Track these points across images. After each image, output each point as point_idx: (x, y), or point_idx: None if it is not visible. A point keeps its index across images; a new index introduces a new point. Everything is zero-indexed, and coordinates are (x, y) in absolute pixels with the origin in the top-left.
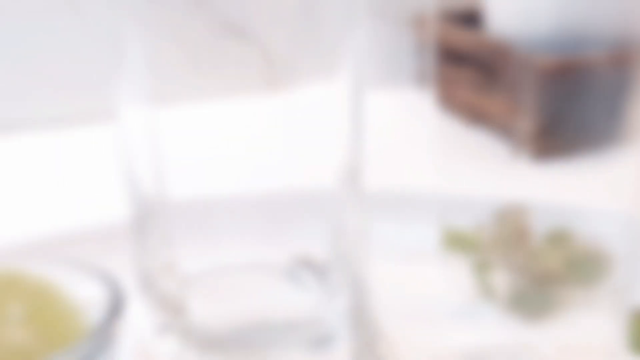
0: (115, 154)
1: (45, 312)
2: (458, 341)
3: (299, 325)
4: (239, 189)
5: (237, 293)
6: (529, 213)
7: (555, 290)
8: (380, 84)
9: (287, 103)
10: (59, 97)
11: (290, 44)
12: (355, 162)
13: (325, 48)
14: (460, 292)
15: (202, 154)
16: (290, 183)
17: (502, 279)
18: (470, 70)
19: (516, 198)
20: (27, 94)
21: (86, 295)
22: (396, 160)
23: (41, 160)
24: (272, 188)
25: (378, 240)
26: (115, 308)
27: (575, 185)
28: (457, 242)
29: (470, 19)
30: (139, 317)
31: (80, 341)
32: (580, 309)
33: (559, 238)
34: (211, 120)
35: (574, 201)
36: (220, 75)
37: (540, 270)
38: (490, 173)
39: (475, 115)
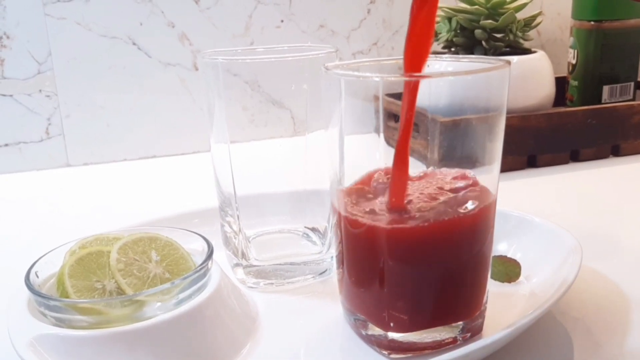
0: (209, 169)
1: (171, 256)
2: None
3: (310, 263)
4: (277, 189)
5: (275, 246)
6: None
7: None
8: (354, 132)
9: (304, 143)
10: (179, 139)
11: (306, 111)
12: (340, 173)
13: (325, 113)
14: None
15: (256, 170)
16: (305, 186)
17: None
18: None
19: None
20: (161, 139)
21: (193, 247)
22: (363, 172)
23: (171, 173)
24: (295, 188)
25: None
26: (209, 255)
27: None
28: None
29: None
30: (223, 260)
31: (191, 272)
32: None
33: None
34: (262, 152)
35: None
36: (267, 127)
37: None
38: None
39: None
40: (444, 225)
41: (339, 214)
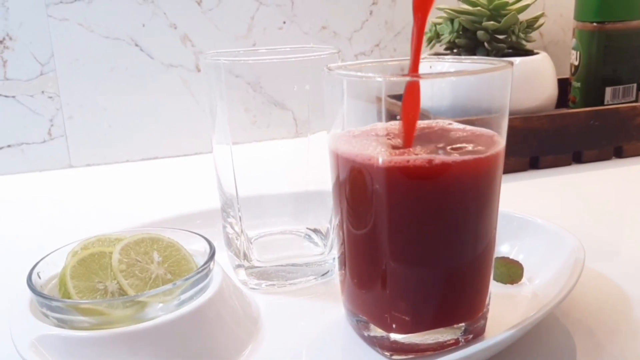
0: (211, 170)
1: (173, 257)
2: None
3: (312, 265)
4: (279, 190)
5: (277, 247)
6: None
7: None
8: None
9: (306, 144)
10: (181, 141)
11: (308, 112)
12: None
13: (327, 114)
14: None
15: (258, 171)
16: (307, 187)
17: None
18: None
19: None
20: (163, 140)
21: (195, 248)
22: None
23: (173, 174)
24: (297, 190)
25: None
26: (211, 256)
27: None
28: None
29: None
30: (224, 261)
31: (193, 273)
32: None
33: None
34: (263, 152)
35: None
36: (269, 129)
37: None
38: None
39: None
40: (445, 165)
41: (337, 156)
